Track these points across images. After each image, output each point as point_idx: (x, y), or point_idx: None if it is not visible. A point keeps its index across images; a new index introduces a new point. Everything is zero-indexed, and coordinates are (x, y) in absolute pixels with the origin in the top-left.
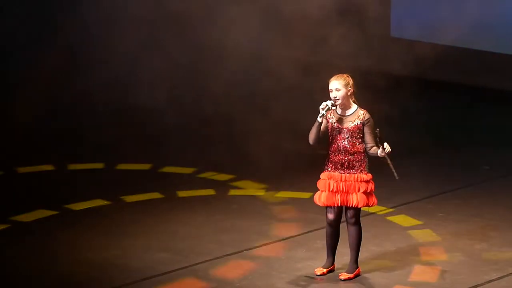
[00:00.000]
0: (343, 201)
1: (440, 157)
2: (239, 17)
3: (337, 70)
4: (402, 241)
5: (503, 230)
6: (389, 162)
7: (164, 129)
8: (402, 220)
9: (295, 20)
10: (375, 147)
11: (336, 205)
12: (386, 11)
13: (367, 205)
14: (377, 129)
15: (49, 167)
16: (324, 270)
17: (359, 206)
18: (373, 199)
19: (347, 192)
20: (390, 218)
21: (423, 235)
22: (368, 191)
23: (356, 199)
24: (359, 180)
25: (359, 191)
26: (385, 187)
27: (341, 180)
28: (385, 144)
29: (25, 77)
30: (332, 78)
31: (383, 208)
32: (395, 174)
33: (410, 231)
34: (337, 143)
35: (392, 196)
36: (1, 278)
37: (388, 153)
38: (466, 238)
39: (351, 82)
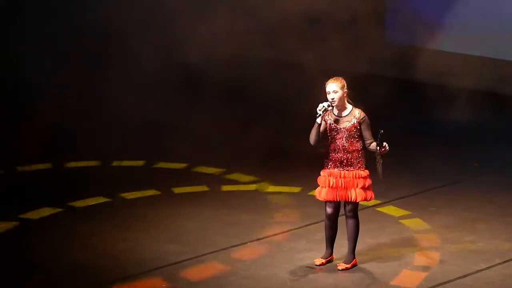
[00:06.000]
0: (342, 196)
1: (432, 155)
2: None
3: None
4: (396, 233)
5: (490, 223)
6: (380, 161)
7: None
8: (396, 212)
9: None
10: (374, 143)
11: (335, 200)
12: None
13: (365, 199)
14: (382, 130)
15: (46, 166)
16: (323, 261)
17: (357, 201)
18: (371, 194)
19: (346, 188)
20: (384, 211)
21: (415, 226)
22: (366, 186)
23: (354, 194)
24: (357, 176)
25: (357, 186)
26: (380, 183)
27: (340, 177)
28: (385, 143)
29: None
30: (329, 81)
31: (378, 202)
32: (380, 173)
33: (402, 221)
34: (336, 142)
35: (386, 191)
36: (18, 269)
37: (382, 151)
38: (456, 231)
39: (345, 84)
